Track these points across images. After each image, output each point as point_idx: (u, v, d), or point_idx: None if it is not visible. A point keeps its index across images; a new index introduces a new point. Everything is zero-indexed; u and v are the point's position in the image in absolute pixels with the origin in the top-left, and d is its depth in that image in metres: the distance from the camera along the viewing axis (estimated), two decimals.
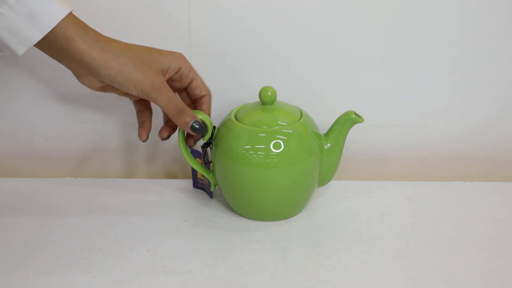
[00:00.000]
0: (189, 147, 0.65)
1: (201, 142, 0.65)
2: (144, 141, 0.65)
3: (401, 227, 0.64)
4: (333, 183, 0.74)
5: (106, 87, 0.61)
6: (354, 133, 0.76)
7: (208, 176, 0.66)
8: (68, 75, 0.70)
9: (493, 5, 0.70)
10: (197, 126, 0.61)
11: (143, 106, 0.65)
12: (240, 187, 0.62)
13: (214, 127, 0.64)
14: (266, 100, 0.63)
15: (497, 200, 0.70)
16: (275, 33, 0.72)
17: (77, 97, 0.75)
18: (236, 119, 0.63)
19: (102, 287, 0.53)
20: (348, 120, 0.63)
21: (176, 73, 0.62)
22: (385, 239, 0.61)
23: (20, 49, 0.54)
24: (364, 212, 0.67)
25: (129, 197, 0.71)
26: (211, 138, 0.64)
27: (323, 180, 0.66)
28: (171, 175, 0.80)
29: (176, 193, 0.72)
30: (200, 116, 0.62)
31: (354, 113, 0.63)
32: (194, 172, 0.69)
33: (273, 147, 0.60)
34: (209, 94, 0.65)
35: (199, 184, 0.70)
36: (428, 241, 0.61)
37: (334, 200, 0.70)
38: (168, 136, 0.65)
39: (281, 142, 0.60)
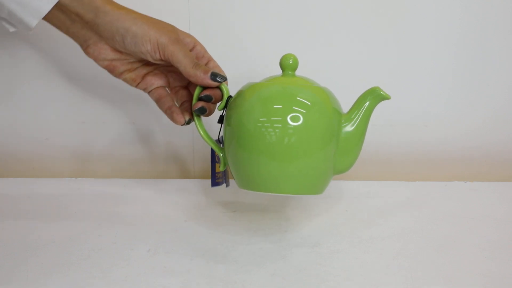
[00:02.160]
0: (196, 112, 0.59)
1: (216, 118, 0.62)
2: (184, 123, 0.61)
3: (401, 227, 0.64)
4: (333, 183, 0.74)
5: (115, 62, 0.59)
6: None
7: (219, 154, 0.61)
8: (68, 76, 0.70)
9: (493, 5, 0.70)
10: (217, 75, 0.57)
11: (161, 92, 0.63)
12: (252, 159, 0.56)
13: (230, 96, 0.59)
14: (289, 67, 0.58)
15: (497, 200, 0.70)
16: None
17: (77, 97, 0.76)
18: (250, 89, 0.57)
19: (102, 287, 0.53)
20: (376, 97, 0.57)
21: (192, 50, 0.61)
22: (385, 239, 0.61)
23: (32, 21, 0.55)
24: (364, 212, 0.67)
25: (129, 197, 0.71)
26: (225, 108, 0.59)
27: (343, 166, 0.58)
28: (171, 175, 0.80)
29: (176, 193, 0.72)
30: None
31: (380, 88, 0.57)
32: (212, 170, 0.65)
33: (290, 119, 0.54)
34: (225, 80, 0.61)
35: (216, 181, 0.65)
36: (428, 241, 0.61)
37: (334, 200, 0.70)
38: (189, 121, 0.61)
39: (299, 115, 0.54)
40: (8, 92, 0.75)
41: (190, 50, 0.61)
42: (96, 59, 0.59)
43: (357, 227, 0.64)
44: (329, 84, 0.73)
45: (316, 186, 0.58)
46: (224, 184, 0.66)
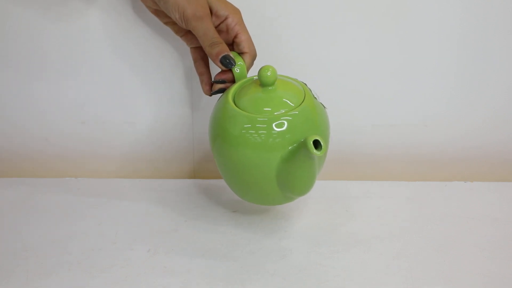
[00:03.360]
0: (216, 93, 0.62)
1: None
2: (210, 95, 0.63)
3: (401, 227, 0.64)
4: (333, 183, 0.74)
5: (159, 12, 0.62)
6: (354, 133, 0.76)
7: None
8: (68, 75, 0.70)
9: (493, 5, 0.70)
10: (227, 59, 0.59)
11: (199, 55, 0.64)
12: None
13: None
14: (266, 81, 0.56)
15: (497, 200, 0.70)
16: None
17: (77, 97, 0.75)
18: (233, 102, 0.57)
19: (102, 287, 0.53)
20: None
21: (223, 22, 0.61)
22: (385, 239, 0.61)
23: None
24: (364, 212, 0.67)
25: (129, 197, 0.71)
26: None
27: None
28: (171, 175, 0.79)
29: (176, 193, 0.72)
30: (240, 62, 0.60)
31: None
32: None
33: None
34: (250, 54, 0.61)
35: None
36: (428, 241, 0.61)
37: (334, 200, 0.70)
38: (218, 90, 0.62)
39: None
40: (8, 92, 0.75)
41: (222, 22, 0.61)
42: (145, 2, 0.62)
43: (357, 227, 0.64)
44: (329, 83, 0.74)
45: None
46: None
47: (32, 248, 0.59)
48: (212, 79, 0.63)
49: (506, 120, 0.75)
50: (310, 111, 0.56)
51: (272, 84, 0.57)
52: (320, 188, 0.69)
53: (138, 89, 0.75)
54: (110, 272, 0.55)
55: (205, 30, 0.58)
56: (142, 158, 0.79)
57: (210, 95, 0.63)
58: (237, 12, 0.62)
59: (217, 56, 0.59)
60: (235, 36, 0.62)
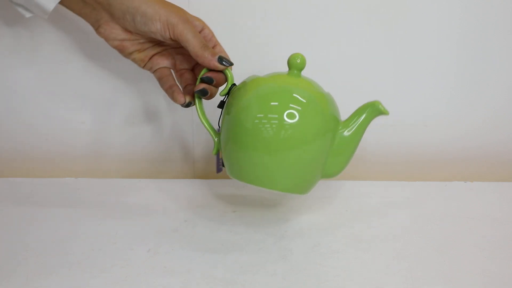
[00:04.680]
0: (198, 93, 0.60)
1: (216, 102, 0.62)
2: (184, 104, 0.61)
3: (401, 227, 0.64)
4: (333, 183, 0.74)
5: (125, 42, 0.60)
6: None
7: (214, 139, 0.62)
8: (67, 75, 0.70)
9: (493, 5, 0.70)
10: (224, 60, 0.58)
11: (165, 71, 0.63)
12: (244, 152, 0.57)
13: (234, 84, 0.60)
14: (296, 66, 0.59)
15: (497, 200, 0.70)
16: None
17: (77, 97, 0.75)
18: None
19: (102, 287, 0.53)
20: (374, 110, 0.58)
21: (200, 32, 0.61)
22: (385, 239, 0.61)
23: (49, 5, 0.55)
24: (364, 212, 0.67)
25: (129, 197, 0.71)
26: (227, 95, 0.60)
27: (331, 171, 0.60)
28: (171, 175, 0.80)
29: (176, 193, 0.72)
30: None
31: (380, 103, 0.58)
32: (217, 157, 0.66)
33: (286, 116, 0.55)
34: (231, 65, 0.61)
35: (220, 166, 0.65)
36: (428, 241, 0.61)
37: (334, 200, 0.70)
38: (189, 104, 0.61)
39: (295, 112, 0.55)
40: (8, 92, 0.75)
41: (199, 32, 0.61)
42: (107, 39, 0.60)
43: (357, 227, 0.64)
44: (330, 83, 0.73)
45: (302, 186, 0.59)
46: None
47: (32, 248, 0.59)
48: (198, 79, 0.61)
49: (506, 120, 0.76)
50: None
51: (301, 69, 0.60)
52: (320, 188, 0.69)
53: (138, 89, 0.75)
54: (110, 272, 0.55)
55: (194, 32, 0.58)
56: (142, 158, 0.79)
57: (185, 104, 0.61)
58: (206, 24, 0.62)
59: (213, 56, 0.58)
60: (213, 47, 0.62)
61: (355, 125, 0.59)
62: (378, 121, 0.75)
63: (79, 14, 0.59)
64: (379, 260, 0.57)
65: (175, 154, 0.78)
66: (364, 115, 0.58)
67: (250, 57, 0.73)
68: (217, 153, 0.63)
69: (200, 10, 0.71)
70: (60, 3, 0.58)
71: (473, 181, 0.75)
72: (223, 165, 0.63)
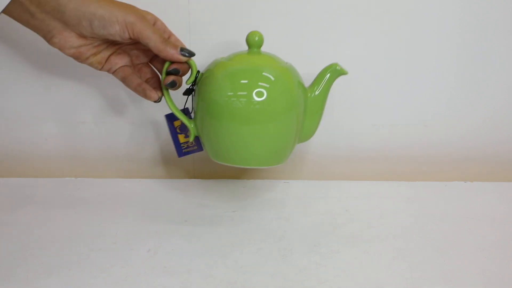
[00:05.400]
0: (167, 86, 0.61)
1: (182, 90, 0.63)
2: (158, 100, 0.62)
3: (401, 227, 0.64)
4: (333, 183, 0.74)
5: (81, 48, 0.59)
6: (354, 133, 0.76)
7: (189, 126, 0.64)
8: (67, 76, 0.70)
9: (493, 5, 0.70)
10: (186, 51, 0.59)
11: (128, 70, 0.63)
12: (221, 133, 0.60)
13: (198, 71, 0.62)
14: (253, 43, 0.62)
15: (497, 200, 0.70)
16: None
17: (77, 97, 0.75)
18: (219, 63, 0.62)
19: (102, 287, 0.53)
20: (333, 72, 0.63)
21: (153, 25, 0.61)
22: (385, 239, 0.61)
23: None
24: (364, 212, 0.67)
25: (129, 197, 0.71)
26: (194, 84, 0.62)
27: (305, 134, 0.65)
28: (171, 175, 0.80)
29: (176, 193, 0.72)
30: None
31: (338, 65, 0.63)
32: (176, 142, 0.67)
33: (256, 95, 0.58)
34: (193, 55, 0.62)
35: (184, 150, 0.68)
36: (428, 241, 0.61)
37: (334, 200, 0.70)
38: (160, 98, 0.62)
39: (263, 90, 0.59)
40: (8, 92, 0.75)
41: (152, 24, 0.62)
42: (62, 48, 0.59)
43: (357, 227, 0.64)
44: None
45: (281, 156, 0.63)
46: (196, 150, 0.67)
47: (32, 248, 0.59)
48: (164, 71, 0.61)
49: (506, 120, 0.76)
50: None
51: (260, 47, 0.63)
52: (321, 188, 0.69)
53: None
54: (110, 272, 0.55)
55: (152, 28, 0.58)
56: (141, 158, 0.79)
57: (159, 99, 0.62)
58: (157, 16, 0.62)
59: (176, 49, 0.59)
60: (168, 38, 0.63)
61: (320, 87, 0.63)
62: (378, 121, 0.76)
63: (27, 26, 0.57)
64: (379, 260, 0.57)
65: (175, 154, 0.78)
66: (326, 77, 0.63)
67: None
68: (176, 137, 0.67)
69: (200, 10, 0.71)
70: (4, 12, 0.55)
71: (473, 181, 0.75)
72: (199, 147, 0.66)
